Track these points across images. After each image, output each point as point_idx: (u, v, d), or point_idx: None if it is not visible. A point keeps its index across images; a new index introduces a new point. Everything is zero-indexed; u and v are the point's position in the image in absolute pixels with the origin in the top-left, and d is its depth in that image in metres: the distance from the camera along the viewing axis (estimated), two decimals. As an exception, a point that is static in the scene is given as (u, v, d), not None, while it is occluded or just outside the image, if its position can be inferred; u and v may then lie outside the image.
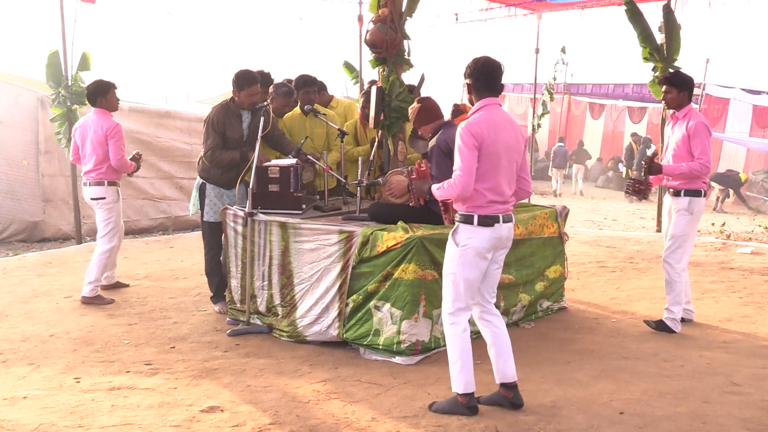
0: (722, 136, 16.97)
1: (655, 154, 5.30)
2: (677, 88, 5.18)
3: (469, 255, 3.62)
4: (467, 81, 3.71)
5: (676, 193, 5.16)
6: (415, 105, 4.94)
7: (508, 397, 3.73)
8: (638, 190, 5.34)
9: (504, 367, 3.74)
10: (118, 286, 6.48)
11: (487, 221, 3.59)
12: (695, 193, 5.10)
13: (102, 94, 6.07)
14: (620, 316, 5.69)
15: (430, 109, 4.89)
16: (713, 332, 5.21)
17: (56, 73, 8.45)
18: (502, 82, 3.76)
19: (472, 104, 3.74)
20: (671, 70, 5.47)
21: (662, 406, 3.80)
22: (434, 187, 3.76)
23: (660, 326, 5.21)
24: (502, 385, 3.75)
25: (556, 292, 5.74)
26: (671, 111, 5.35)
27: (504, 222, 3.65)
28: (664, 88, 5.27)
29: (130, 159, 6.28)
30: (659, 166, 5.14)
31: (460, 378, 3.67)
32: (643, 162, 5.30)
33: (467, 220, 3.62)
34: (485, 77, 3.66)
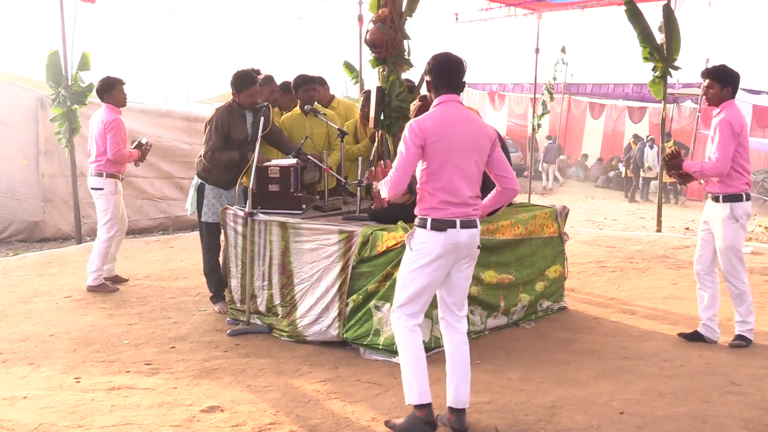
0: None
1: (677, 149, 4.99)
2: (720, 84, 4.72)
3: (421, 261, 3.39)
4: (427, 78, 3.55)
5: (716, 199, 4.78)
6: (417, 102, 4.94)
7: (451, 420, 3.48)
8: (681, 174, 4.96)
9: (457, 390, 3.47)
10: (117, 280, 6.61)
11: (440, 225, 3.36)
12: (735, 198, 4.71)
13: (108, 91, 6.35)
14: (620, 316, 5.68)
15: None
16: (713, 332, 5.21)
17: (56, 73, 8.45)
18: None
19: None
20: (714, 64, 4.98)
21: (662, 406, 3.80)
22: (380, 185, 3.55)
23: (745, 340, 4.83)
24: (450, 407, 3.50)
25: (556, 292, 5.74)
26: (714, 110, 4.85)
27: (462, 227, 3.39)
28: (706, 82, 4.80)
29: (134, 147, 6.53)
30: (679, 163, 4.87)
31: (414, 387, 3.38)
32: (664, 157, 5.02)
33: (422, 223, 3.41)
34: (444, 74, 3.49)
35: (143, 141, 6.61)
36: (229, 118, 5.40)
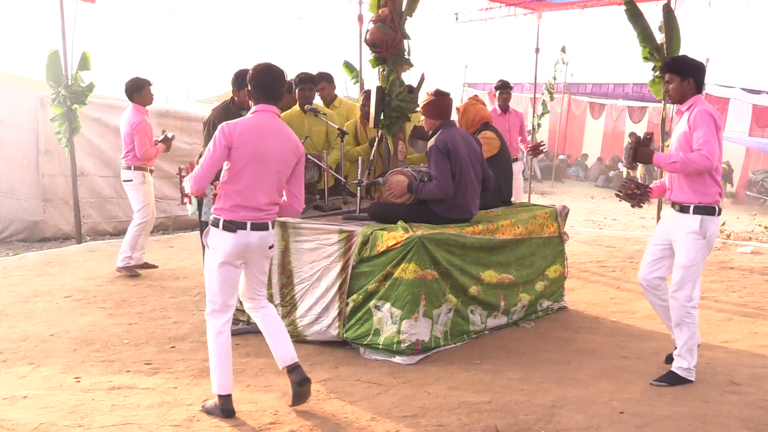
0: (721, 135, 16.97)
1: (647, 136, 4.15)
2: (680, 76, 4.07)
3: (216, 258, 3.59)
4: (248, 87, 3.69)
5: (683, 209, 4.08)
6: (430, 96, 4.98)
7: (293, 380, 3.68)
8: (632, 194, 4.25)
9: (281, 351, 3.73)
10: (146, 266, 7.11)
11: (230, 227, 3.54)
12: (708, 211, 4.02)
13: (137, 91, 6.88)
14: (620, 316, 5.68)
15: (440, 106, 4.94)
16: (713, 332, 5.21)
17: (56, 72, 8.44)
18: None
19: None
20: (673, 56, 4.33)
21: (662, 406, 3.80)
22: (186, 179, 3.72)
23: (672, 379, 4.10)
24: (287, 370, 3.72)
25: (556, 292, 5.74)
26: (677, 106, 4.19)
27: (253, 229, 3.57)
28: (666, 77, 4.15)
29: (161, 140, 7.03)
30: (650, 153, 4.09)
31: (216, 379, 3.67)
32: (629, 146, 4.21)
33: (215, 222, 3.60)
34: (263, 85, 3.63)
35: (169, 135, 7.12)
36: (226, 117, 5.38)
